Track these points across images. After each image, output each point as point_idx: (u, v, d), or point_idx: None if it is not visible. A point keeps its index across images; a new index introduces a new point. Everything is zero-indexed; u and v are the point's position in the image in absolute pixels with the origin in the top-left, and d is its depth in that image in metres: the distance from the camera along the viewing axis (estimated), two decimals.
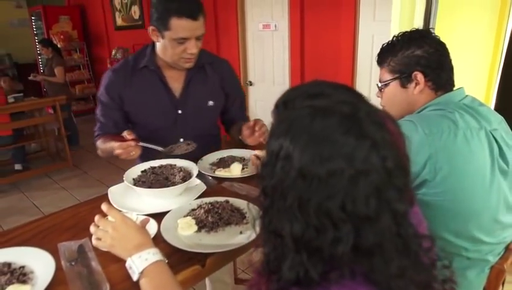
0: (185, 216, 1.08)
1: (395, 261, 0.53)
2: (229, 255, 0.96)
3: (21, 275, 0.87)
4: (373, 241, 0.52)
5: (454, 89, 1.17)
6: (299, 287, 0.54)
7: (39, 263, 0.92)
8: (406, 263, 0.54)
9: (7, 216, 3.36)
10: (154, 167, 1.32)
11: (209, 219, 1.04)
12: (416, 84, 1.14)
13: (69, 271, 0.88)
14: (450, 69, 1.17)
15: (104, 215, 0.90)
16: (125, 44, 5.84)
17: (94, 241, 0.89)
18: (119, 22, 6.10)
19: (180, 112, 1.53)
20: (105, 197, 1.20)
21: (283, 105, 0.61)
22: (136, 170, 1.29)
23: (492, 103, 2.26)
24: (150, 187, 1.19)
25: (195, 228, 1.03)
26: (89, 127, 6.49)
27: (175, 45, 1.37)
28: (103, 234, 0.87)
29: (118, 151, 1.27)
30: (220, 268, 0.97)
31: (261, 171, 0.58)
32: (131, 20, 5.83)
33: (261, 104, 4.35)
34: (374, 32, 3.00)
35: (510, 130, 1.19)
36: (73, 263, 0.91)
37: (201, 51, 1.49)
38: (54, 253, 0.94)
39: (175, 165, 1.32)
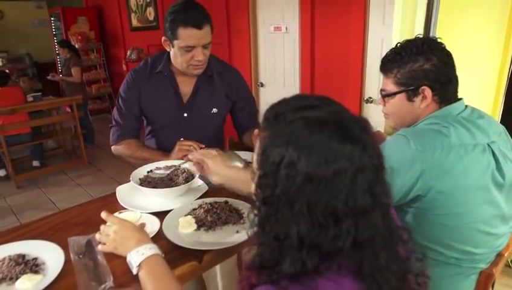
0: (186, 215, 1.15)
1: (383, 253, 0.59)
2: (224, 253, 1.02)
3: (34, 265, 0.96)
4: (368, 235, 0.58)
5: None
6: (289, 280, 0.59)
7: (50, 255, 1.00)
8: (390, 255, 0.60)
9: (25, 211, 3.51)
10: (160, 168, 1.39)
11: (208, 218, 1.11)
12: (423, 98, 1.12)
13: (77, 263, 0.96)
14: (456, 81, 1.15)
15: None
16: (140, 44, 5.97)
17: (100, 247, 0.96)
18: (135, 22, 6.23)
19: (185, 115, 1.63)
20: (113, 196, 1.28)
21: (274, 118, 0.64)
22: (142, 171, 1.37)
23: (499, 113, 2.24)
24: (154, 187, 1.27)
25: (195, 226, 1.09)
26: (104, 126, 6.65)
27: (183, 52, 1.48)
28: (106, 238, 0.95)
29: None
30: (215, 265, 1.04)
31: (260, 182, 0.62)
32: (146, 21, 5.95)
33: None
34: (383, 36, 3.02)
35: (511, 139, 1.19)
36: (81, 256, 0.99)
37: (213, 59, 1.62)
38: (64, 246, 1.02)
39: (179, 166, 1.39)
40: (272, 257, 0.61)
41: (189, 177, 1.32)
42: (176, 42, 1.46)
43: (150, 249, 0.89)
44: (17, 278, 0.92)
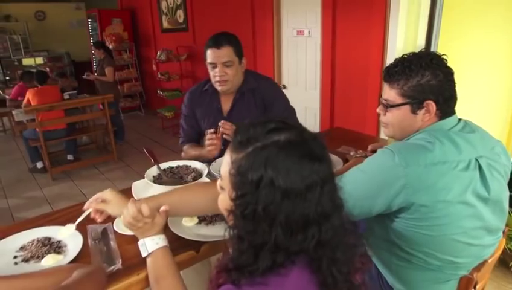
0: None
1: (340, 248, 0.70)
2: (219, 245, 1.14)
3: (57, 247, 1.13)
4: (330, 235, 0.69)
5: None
6: (247, 279, 0.69)
7: (71, 239, 1.17)
8: (342, 248, 0.71)
9: (58, 201, 3.79)
10: (172, 167, 1.54)
11: (209, 214, 1.23)
12: (427, 111, 1.15)
13: (92, 247, 1.12)
14: (456, 97, 1.18)
15: None
16: (169, 46, 6.20)
17: (124, 222, 1.02)
18: (165, 24, 6.49)
19: None
20: (130, 190, 1.44)
21: (247, 142, 0.72)
22: (156, 169, 1.52)
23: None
24: (164, 184, 1.41)
25: (197, 220, 1.23)
26: (134, 123, 6.99)
27: (210, 69, 1.78)
28: (130, 220, 1.00)
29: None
30: (211, 255, 1.16)
31: (238, 200, 0.70)
32: (176, 24, 6.18)
33: (294, 107, 4.48)
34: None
35: (505, 153, 1.21)
36: (96, 242, 1.15)
37: (249, 77, 1.87)
38: (83, 232, 1.18)
39: (190, 166, 1.53)
40: (247, 260, 0.70)
41: (197, 176, 1.45)
42: (206, 62, 1.77)
43: (163, 241, 1.01)
44: (43, 257, 1.09)
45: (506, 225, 1.29)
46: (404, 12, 1.59)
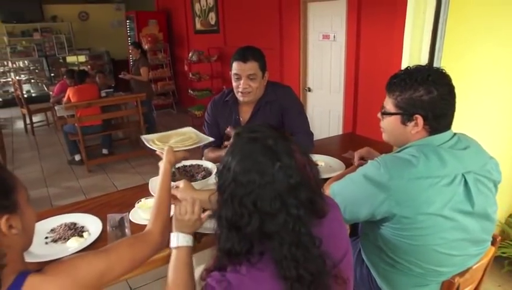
0: None
1: (286, 246, 0.81)
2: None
3: (80, 231, 1.32)
4: (273, 230, 0.81)
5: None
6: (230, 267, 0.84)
7: (93, 225, 1.36)
8: (296, 251, 0.80)
9: (92, 191, 4.08)
10: (186, 166, 1.70)
11: (216, 222, 1.37)
12: (415, 125, 1.20)
13: (110, 233, 1.29)
14: (452, 114, 1.21)
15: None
16: (201, 47, 6.42)
17: (176, 209, 1.16)
18: (198, 26, 6.73)
19: None
20: (146, 185, 1.61)
21: (236, 135, 0.91)
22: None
23: None
24: (176, 181, 1.56)
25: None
26: (166, 120, 7.28)
27: (234, 80, 1.91)
28: (184, 210, 1.14)
29: None
30: (211, 246, 1.29)
31: (217, 176, 0.90)
32: (208, 25, 6.40)
33: (318, 110, 4.56)
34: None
35: (496, 169, 1.25)
36: (114, 229, 1.32)
37: (269, 89, 1.99)
38: (103, 220, 1.36)
39: (201, 165, 1.68)
40: (225, 244, 0.85)
41: (207, 175, 1.60)
42: (231, 72, 1.90)
43: (192, 242, 1.13)
44: (68, 239, 1.28)
45: (500, 234, 1.32)
46: (409, 25, 1.65)
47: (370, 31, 3.60)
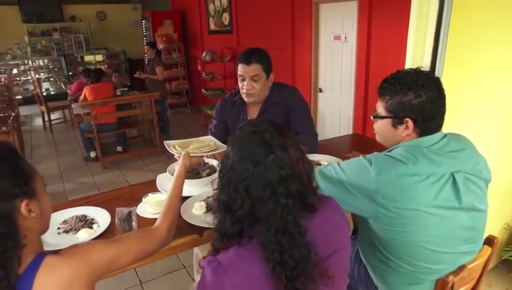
0: (201, 201, 1.49)
1: (272, 231, 0.87)
2: None
3: (90, 223, 1.40)
4: (262, 215, 0.88)
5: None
6: (223, 246, 0.91)
7: (102, 218, 1.43)
8: (282, 238, 0.86)
9: (106, 188, 4.17)
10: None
11: (215, 205, 1.43)
12: (406, 128, 1.24)
13: (118, 226, 1.36)
14: (441, 117, 1.24)
15: None
16: (215, 47, 6.51)
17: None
18: (212, 26, 6.81)
19: None
20: (154, 181, 1.68)
21: (240, 128, 0.99)
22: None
23: None
24: None
25: (205, 210, 1.43)
26: (180, 119, 7.39)
27: (239, 81, 1.98)
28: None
29: None
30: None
31: (219, 162, 0.98)
32: (221, 26, 6.48)
33: (329, 110, 4.58)
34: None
35: (487, 168, 1.29)
36: (122, 221, 1.38)
37: (275, 90, 2.05)
38: (112, 213, 1.43)
39: (207, 163, 1.74)
40: (220, 225, 0.93)
41: (212, 172, 1.66)
42: (238, 74, 1.97)
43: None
44: (79, 230, 1.35)
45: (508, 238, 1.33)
46: (413, 27, 1.68)
47: (381, 32, 3.60)
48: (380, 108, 1.30)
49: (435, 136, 1.25)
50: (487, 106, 1.92)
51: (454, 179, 1.18)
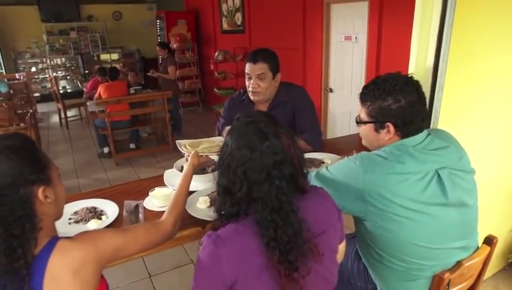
0: (205, 196, 1.55)
1: (268, 210, 0.93)
2: None
3: (99, 215, 1.46)
4: (259, 196, 0.95)
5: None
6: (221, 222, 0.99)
7: (111, 210, 1.49)
8: (277, 216, 0.93)
9: (118, 183, 4.22)
10: None
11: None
12: (388, 132, 1.28)
13: (125, 217, 1.43)
14: (422, 119, 1.28)
15: None
16: (227, 46, 6.57)
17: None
18: (225, 26, 6.88)
19: None
20: (162, 176, 1.74)
21: (236, 119, 1.07)
22: (184, 160, 1.80)
23: None
24: None
25: (208, 204, 1.49)
26: (192, 117, 7.48)
27: (246, 79, 2.03)
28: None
29: None
30: None
31: (219, 150, 1.05)
32: (234, 25, 6.54)
33: (339, 110, 4.59)
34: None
35: (469, 162, 1.32)
36: (129, 213, 1.45)
37: (283, 89, 2.09)
38: (120, 206, 1.50)
39: (212, 159, 1.79)
40: (220, 205, 1.01)
41: (217, 168, 1.71)
42: (245, 72, 2.03)
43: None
44: (88, 221, 1.42)
45: None
46: (416, 29, 1.70)
47: (391, 33, 3.61)
48: (362, 113, 1.34)
49: (419, 137, 1.28)
50: (492, 108, 1.92)
51: (439, 175, 1.21)
